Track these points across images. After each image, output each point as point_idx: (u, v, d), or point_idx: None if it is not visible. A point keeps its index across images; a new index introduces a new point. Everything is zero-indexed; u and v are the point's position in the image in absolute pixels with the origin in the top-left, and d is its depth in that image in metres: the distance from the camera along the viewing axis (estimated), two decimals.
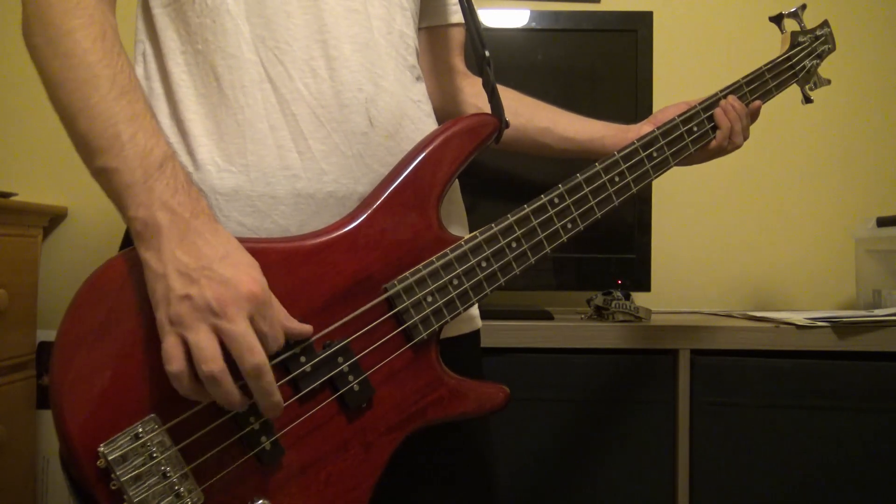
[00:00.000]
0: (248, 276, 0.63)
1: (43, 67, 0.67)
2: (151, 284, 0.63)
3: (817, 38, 1.10)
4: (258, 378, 0.63)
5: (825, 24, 1.12)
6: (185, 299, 0.62)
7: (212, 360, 0.61)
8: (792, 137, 1.76)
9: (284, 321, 0.66)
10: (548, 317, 1.41)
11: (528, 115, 1.03)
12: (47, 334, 1.59)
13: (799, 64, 1.08)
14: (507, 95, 1.01)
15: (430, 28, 0.99)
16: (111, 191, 0.66)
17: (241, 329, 0.62)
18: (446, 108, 1.00)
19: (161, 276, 0.63)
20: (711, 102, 0.98)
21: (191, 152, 0.74)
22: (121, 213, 0.66)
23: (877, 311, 1.40)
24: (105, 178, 0.65)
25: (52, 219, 1.68)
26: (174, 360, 0.61)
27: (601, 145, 1.02)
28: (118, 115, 0.65)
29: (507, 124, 0.83)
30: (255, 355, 0.62)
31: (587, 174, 0.84)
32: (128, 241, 0.78)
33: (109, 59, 0.67)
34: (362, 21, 0.77)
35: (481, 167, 1.48)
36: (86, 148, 0.66)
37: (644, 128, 1.01)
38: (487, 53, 0.84)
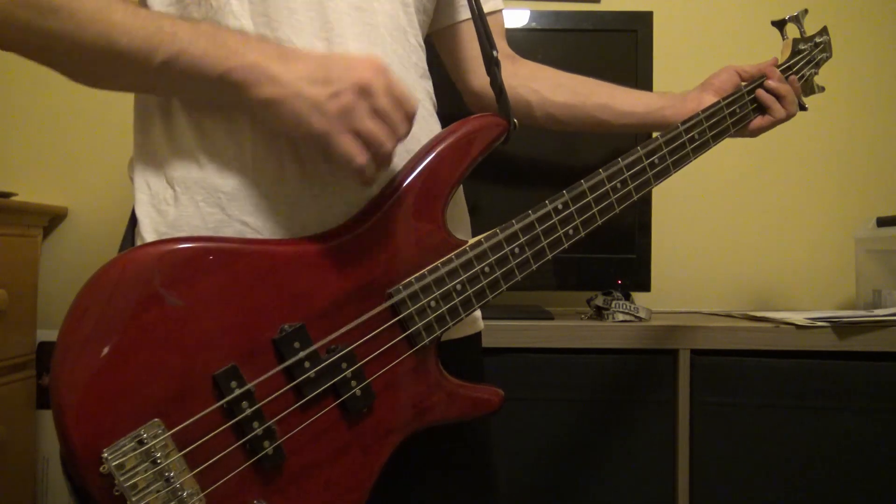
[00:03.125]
0: (362, 55, 0.68)
1: (44, 32, 0.62)
2: (289, 108, 0.65)
3: (816, 45, 1.09)
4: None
5: (824, 31, 1.11)
6: (334, 97, 0.65)
7: (388, 139, 0.68)
8: (792, 138, 1.76)
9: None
10: (548, 317, 1.41)
11: (586, 92, 1.02)
12: (47, 334, 1.59)
13: (799, 73, 1.07)
14: (562, 74, 1.02)
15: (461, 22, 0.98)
16: (185, 74, 0.65)
17: (387, 104, 0.67)
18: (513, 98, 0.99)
19: (295, 96, 0.65)
20: (717, 120, 0.95)
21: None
22: (205, 86, 0.66)
23: (877, 311, 1.40)
24: (173, 66, 0.65)
25: (52, 219, 1.68)
26: (360, 154, 0.67)
27: (661, 116, 1.01)
28: (148, 18, 0.65)
29: (515, 126, 0.82)
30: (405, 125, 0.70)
31: (592, 182, 0.83)
32: (128, 242, 0.78)
33: None
34: (366, 18, 0.77)
35: (482, 166, 1.47)
36: (134, 60, 0.64)
37: (704, 96, 1.00)
38: (496, 54, 0.84)
